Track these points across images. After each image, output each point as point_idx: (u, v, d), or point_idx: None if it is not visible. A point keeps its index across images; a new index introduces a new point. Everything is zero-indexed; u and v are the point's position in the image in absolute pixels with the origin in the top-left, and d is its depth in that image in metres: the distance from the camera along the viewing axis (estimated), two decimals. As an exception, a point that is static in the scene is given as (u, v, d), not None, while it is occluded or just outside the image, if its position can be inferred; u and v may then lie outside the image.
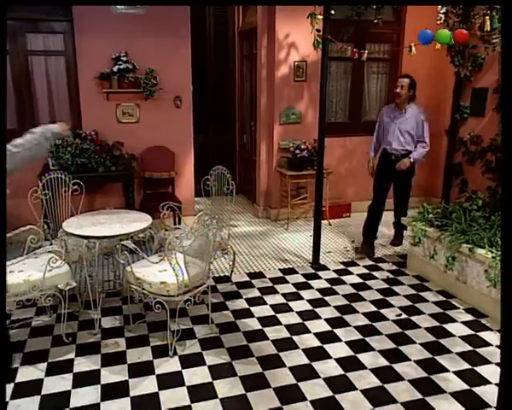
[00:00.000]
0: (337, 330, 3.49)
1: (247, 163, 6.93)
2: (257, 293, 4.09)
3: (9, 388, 2.81)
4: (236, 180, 7.36)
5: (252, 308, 3.82)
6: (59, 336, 3.29)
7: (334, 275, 4.44)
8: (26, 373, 2.94)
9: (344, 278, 4.40)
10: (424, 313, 3.77)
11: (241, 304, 3.88)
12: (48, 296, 3.14)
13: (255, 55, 6.10)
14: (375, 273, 4.51)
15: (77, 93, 5.03)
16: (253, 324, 3.58)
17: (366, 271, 4.58)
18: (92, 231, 3.26)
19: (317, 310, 3.80)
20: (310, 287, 4.22)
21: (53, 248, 3.17)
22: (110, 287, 4.11)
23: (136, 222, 3.55)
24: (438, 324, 3.61)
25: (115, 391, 2.81)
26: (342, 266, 4.66)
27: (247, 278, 4.37)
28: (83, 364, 3.05)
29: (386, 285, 4.27)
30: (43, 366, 3.02)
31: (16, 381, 2.88)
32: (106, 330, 3.46)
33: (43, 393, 2.78)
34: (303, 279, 4.37)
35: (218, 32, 6.91)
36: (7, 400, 2.71)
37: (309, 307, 3.86)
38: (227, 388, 2.86)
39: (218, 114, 7.13)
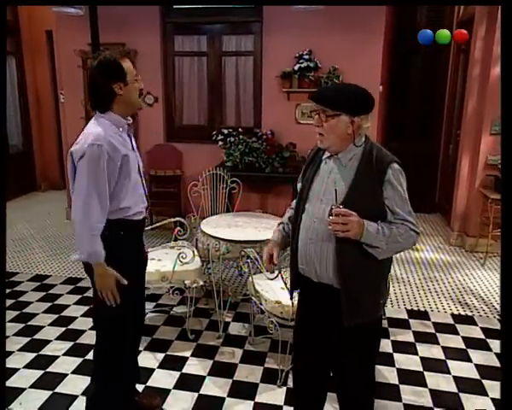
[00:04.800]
0: (503, 422, 2.50)
1: (448, 178, 5.85)
2: (410, 337, 3.32)
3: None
4: (436, 197, 6.37)
5: (395, 355, 3.10)
6: (185, 331, 3.32)
7: (530, 340, 3.24)
8: (143, 359, 3.01)
9: (544, 348, 3.18)
10: None
11: (384, 346, 3.19)
12: (175, 290, 3.20)
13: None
14: None
15: (260, 92, 5.07)
16: (389, 375, 2.90)
17: None
18: (221, 233, 3.15)
19: (485, 383, 2.82)
20: (487, 348, 3.19)
21: (183, 244, 3.19)
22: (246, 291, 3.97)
23: (272, 229, 3.28)
24: None
25: (207, 406, 2.64)
26: (547, 331, 3.38)
27: (405, 316, 3.61)
28: (193, 366, 2.98)
29: None
30: (161, 356, 3.08)
31: (134, 364, 3.00)
32: (230, 336, 3.33)
33: (148, 384, 2.81)
34: (481, 335, 3.35)
35: (429, 23, 6.00)
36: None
37: (476, 375, 2.91)
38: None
39: (420, 118, 6.24)
